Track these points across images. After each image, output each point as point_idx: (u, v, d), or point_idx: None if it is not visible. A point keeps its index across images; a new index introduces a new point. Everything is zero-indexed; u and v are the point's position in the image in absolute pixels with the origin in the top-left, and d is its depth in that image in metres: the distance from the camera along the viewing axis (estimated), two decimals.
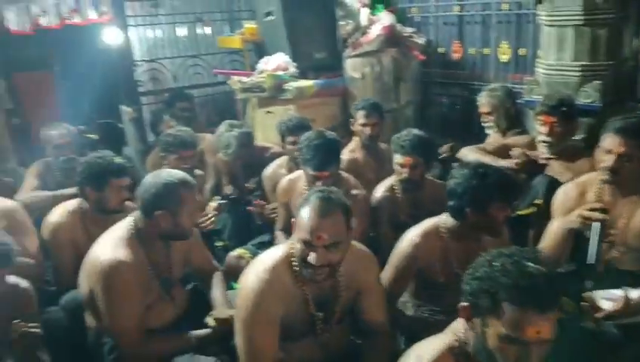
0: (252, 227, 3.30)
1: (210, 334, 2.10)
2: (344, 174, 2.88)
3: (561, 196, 2.37)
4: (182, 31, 5.29)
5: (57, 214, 2.56)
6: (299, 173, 2.89)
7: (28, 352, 1.89)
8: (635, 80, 3.43)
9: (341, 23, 4.46)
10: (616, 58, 3.25)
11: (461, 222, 2.09)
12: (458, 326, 1.45)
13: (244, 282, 1.83)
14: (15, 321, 1.86)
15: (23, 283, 2.00)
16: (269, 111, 4.01)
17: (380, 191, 2.87)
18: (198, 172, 3.29)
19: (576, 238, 2.22)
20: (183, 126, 3.55)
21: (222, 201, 3.01)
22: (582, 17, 3.12)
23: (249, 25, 4.70)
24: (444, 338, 1.46)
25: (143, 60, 4.96)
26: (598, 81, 3.11)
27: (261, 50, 4.58)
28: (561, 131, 2.81)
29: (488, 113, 3.43)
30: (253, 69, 4.30)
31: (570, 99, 2.91)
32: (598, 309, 1.98)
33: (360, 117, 3.30)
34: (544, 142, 2.82)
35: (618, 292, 2.00)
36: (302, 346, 1.92)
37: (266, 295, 1.76)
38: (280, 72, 4.02)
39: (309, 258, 1.72)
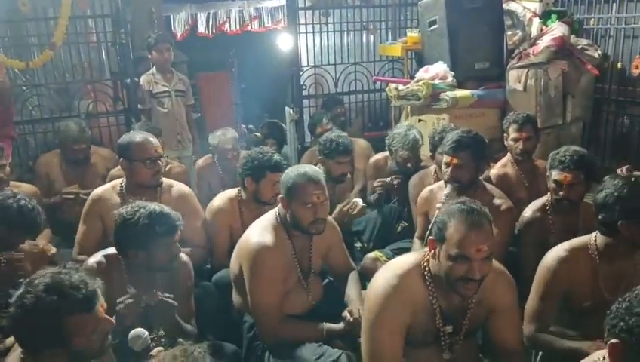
0: (392, 232, 3.33)
1: (341, 329, 2.20)
2: (488, 186, 2.79)
3: None
4: (348, 39, 5.49)
5: (219, 199, 2.85)
6: (440, 184, 2.86)
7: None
8: None
9: (509, 32, 4.30)
10: None
11: (612, 237, 1.95)
12: (598, 356, 1.34)
13: (373, 284, 1.86)
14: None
15: (184, 258, 2.25)
16: (420, 120, 4.01)
17: (530, 210, 2.72)
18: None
19: None
20: (338, 129, 3.71)
21: (363, 205, 3.11)
22: None
23: (412, 34, 4.74)
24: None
25: (309, 66, 5.23)
26: None
27: (422, 59, 4.60)
28: None
29: None
30: (412, 77, 4.33)
31: None
32: None
33: (512, 131, 3.18)
34: None
35: None
36: (425, 356, 1.90)
37: (392, 300, 1.78)
38: (438, 81, 3.99)
39: (468, 273, 1.70)
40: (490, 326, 1.94)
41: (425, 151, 3.47)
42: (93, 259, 2.08)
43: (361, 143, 4.02)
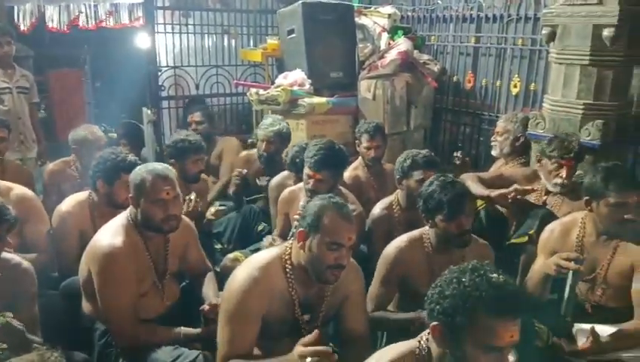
0: (252, 232, 3.40)
1: (198, 334, 2.20)
2: (343, 190, 2.97)
3: (546, 235, 2.45)
4: (208, 42, 5.48)
5: (67, 203, 2.70)
6: (300, 186, 2.99)
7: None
8: None
9: (360, 45, 4.61)
10: (621, 99, 3.30)
11: (434, 229, 2.21)
12: (423, 334, 1.53)
13: (233, 278, 1.91)
14: None
15: (25, 264, 2.12)
16: None
17: (378, 208, 2.95)
18: (202, 176, 3.41)
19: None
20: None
21: (220, 208, 3.14)
22: (589, 57, 3.19)
23: (272, 40, 4.87)
24: (407, 344, 1.53)
25: (168, 66, 5.14)
26: (600, 121, 3.17)
27: (282, 65, 4.75)
28: (573, 172, 2.87)
29: (500, 133, 3.52)
30: (272, 82, 4.45)
31: (578, 139, 2.97)
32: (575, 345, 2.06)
33: (364, 140, 3.40)
34: (561, 185, 2.84)
35: (592, 329, 2.07)
36: (281, 347, 1.99)
37: (252, 292, 1.85)
38: (296, 88, 4.16)
39: (339, 260, 1.83)
40: (342, 313, 2.08)
41: None
42: None
43: (232, 141, 4.07)
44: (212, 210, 3.04)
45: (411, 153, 2.86)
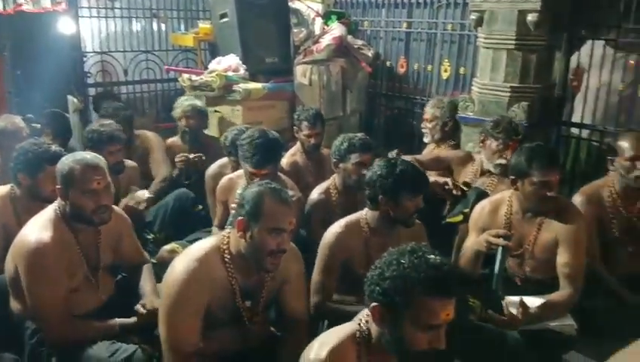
0: (187, 217, 3.33)
1: (135, 323, 2.13)
2: (282, 176, 2.97)
3: (477, 213, 2.55)
4: (136, 26, 5.28)
5: None
6: (239, 173, 2.96)
7: None
8: (563, 104, 3.68)
9: (294, 30, 4.58)
10: (545, 82, 3.47)
11: (376, 211, 2.24)
12: (362, 316, 1.55)
13: (171, 271, 1.87)
14: None
15: None
16: (216, 110, 4.07)
17: (316, 192, 2.96)
18: (129, 163, 3.27)
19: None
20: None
21: (149, 196, 3.04)
22: (515, 42, 3.33)
23: (204, 25, 4.75)
24: (347, 327, 1.55)
25: (94, 52, 4.92)
26: (525, 103, 3.32)
27: (214, 50, 4.65)
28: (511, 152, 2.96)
29: (429, 120, 3.61)
30: (205, 68, 4.36)
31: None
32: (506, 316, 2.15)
33: (304, 127, 3.39)
34: (501, 165, 2.95)
35: (520, 301, 2.18)
36: (223, 335, 1.97)
37: (192, 284, 1.81)
38: (230, 73, 4.09)
39: (280, 245, 1.83)
40: (282, 298, 2.08)
41: None
42: None
43: (149, 135, 3.85)
44: (139, 194, 2.93)
45: (348, 136, 2.89)
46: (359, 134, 2.96)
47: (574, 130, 3.70)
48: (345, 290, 2.32)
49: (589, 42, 3.60)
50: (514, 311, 2.17)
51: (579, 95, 3.77)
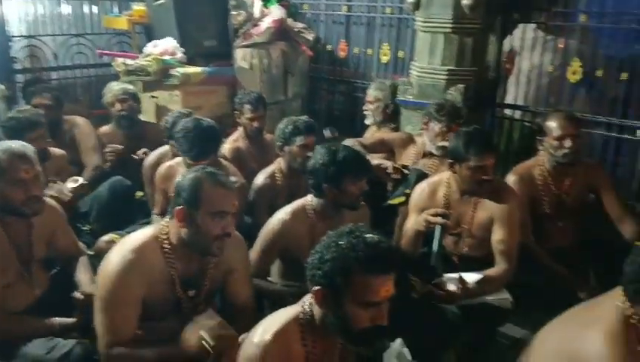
0: (125, 206, 3.22)
1: (74, 322, 2.07)
2: (224, 162, 2.93)
3: (416, 194, 2.61)
4: (67, 8, 5.03)
5: None
6: (178, 160, 2.89)
7: None
8: (497, 86, 3.80)
9: (233, 12, 4.49)
10: (480, 65, 3.57)
11: (321, 198, 2.25)
12: (305, 299, 1.57)
13: (107, 261, 1.82)
14: None
15: None
16: (153, 96, 3.96)
17: (261, 177, 2.95)
18: (56, 151, 3.09)
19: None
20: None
21: (84, 182, 2.92)
22: (451, 25, 3.40)
23: (138, 7, 4.59)
24: (290, 310, 1.56)
25: (21, 36, 4.66)
26: (462, 85, 3.41)
27: (150, 33, 4.50)
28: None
29: (371, 102, 3.66)
30: (141, 52, 4.21)
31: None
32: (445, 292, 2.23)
33: (246, 110, 3.36)
34: (444, 147, 2.98)
35: (459, 277, 2.26)
36: (165, 326, 1.93)
37: (129, 274, 1.77)
38: (167, 57, 3.98)
39: (225, 229, 1.81)
40: (227, 286, 2.06)
41: None
42: None
43: (78, 121, 3.68)
44: (71, 184, 2.81)
45: (292, 119, 2.90)
46: (303, 117, 2.97)
47: (508, 112, 3.83)
48: (291, 276, 2.33)
49: (522, 26, 3.72)
50: (453, 287, 2.25)
51: (512, 77, 3.90)
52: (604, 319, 1.46)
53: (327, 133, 3.66)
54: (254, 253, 2.28)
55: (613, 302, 1.48)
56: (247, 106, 3.35)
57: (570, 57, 3.49)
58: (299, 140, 2.81)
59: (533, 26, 3.69)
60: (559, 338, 1.56)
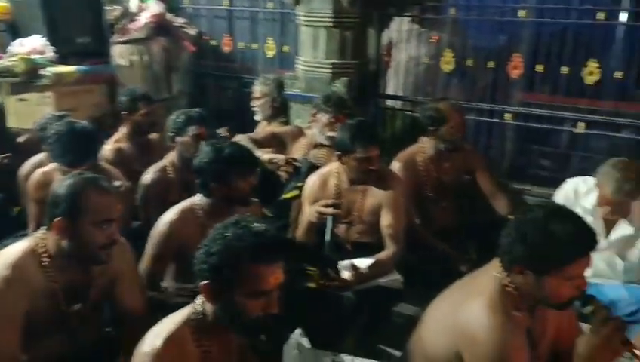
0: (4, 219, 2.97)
1: None
2: (105, 165, 2.80)
3: (309, 186, 2.66)
4: None
5: None
6: (54, 166, 2.70)
7: None
8: (378, 78, 3.95)
9: (108, 7, 4.27)
10: (362, 58, 3.69)
11: (209, 197, 2.21)
12: (197, 300, 1.53)
13: None
14: None
15: None
16: (22, 99, 3.66)
17: (151, 171, 2.86)
18: None
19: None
20: None
21: None
22: (331, 19, 3.48)
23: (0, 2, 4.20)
24: (181, 312, 1.51)
25: None
26: (345, 78, 3.50)
27: (15, 31, 4.14)
28: None
29: (258, 98, 3.65)
30: (5, 51, 3.87)
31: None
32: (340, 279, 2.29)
33: (141, 107, 3.24)
34: (333, 137, 2.99)
35: (352, 264, 2.34)
36: (51, 341, 1.82)
37: (5, 293, 1.65)
38: (36, 56, 3.69)
39: (109, 237, 1.73)
40: (116, 295, 1.96)
41: None
42: None
43: None
44: None
45: (183, 111, 2.89)
46: (195, 109, 2.94)
47: (389, 102, 4.00)
48: (184, 278, 2.27)
49: (398, 19, 3.90)
50: (347, 273, 2.32)
51: (391, 69, 4.08)
52: (483, 289, 1.59)
53: (221, 132, 3.60)
54: (146, 258, 2.20)
55: (491, 273, 1.61)
56: (142, 102, 3.25)
57: (443, 49, 3.71)
58: (191, 130, 2.78)
59: (408, 19, 3.88)
60: (446, 311, 1.68)
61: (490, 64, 3.58)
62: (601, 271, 2.44)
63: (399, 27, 3.91)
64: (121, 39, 4.11)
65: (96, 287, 1.89)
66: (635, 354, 1.55)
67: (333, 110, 3.10)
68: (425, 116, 2.94)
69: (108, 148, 3.20)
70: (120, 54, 4.07)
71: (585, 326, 1.56)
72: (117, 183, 2.70)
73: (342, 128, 2.59)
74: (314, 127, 3.21)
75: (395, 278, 2.49)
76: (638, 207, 2.33)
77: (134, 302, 1.98)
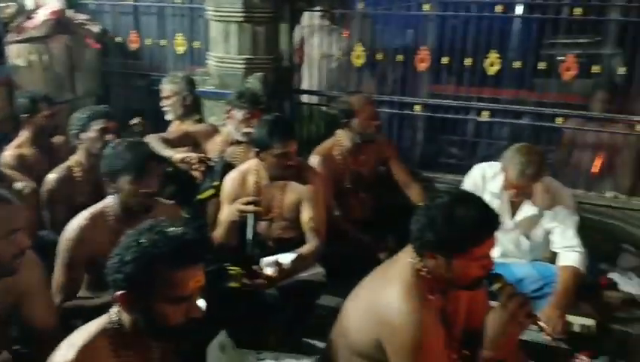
0: None
1: None
2: (6, 171, 2.64)
3: (227, 184, 2.63)
4: None
5: None
6: None
7: None
8: (292, 73, 3.95)
9: (1, 5, 3.98)
10: (274, 53, 3.68)
11: (117, 192, 2.16)
12: (112, 309, 1.47)
13: None
14: None
15: None
16: None
17: (53, 174, 2.75)
18: None
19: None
20: None
21: None
22: (242, 14, 3.43)
23: None
24: (96, 322, 1.45)
25: None
26: (259, 73, 3.48)
27: None
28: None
29: (168, 97, 3.55)
30: None
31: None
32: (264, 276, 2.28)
33: (44, 108, 3.10)
34: (249, 133, 2.98)
35: (275, 261, 2.34)
36: None
37: None
38: None
39: (20, 244, 1.65)
40: (25, 311, 1.85)
41: None
42: None
43: None
44: None
45: (89, 107, 2.85)
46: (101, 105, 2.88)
47: (305, 97, 4.02)
48: (97, 286, 2.18)
49: (310, 14, 3.92)
50: (270, 270, 2.32)
51: (305, 64, 4.10)
52: (399, 275, 1.65)
53: (134, 122, 3.51)
54: (57, 269, 2.09)
55: (406, 259, 1.67)
56: (44, 104, 3.11)
57: (354, 43, 3.77)
58: (96, 124, 2.72)
59: (319, 14, 3.90)
60: (365, 298, 1.72)
61: (399, 57, 3.68)
62: (509, 250, 2.59)
63: (310, 22, 3.93)
64: (17, 38, 3.84)
65: (3, 303, 1.77)
66: (540, 326, 1.68)
67: (248, 106, 3.08)
68: (338, 110, 3.00)
69: (8, 154, 3.02)
70: (17, 54, 3.79)
71: (494, 304, 1.65)
72: (20, 185, 2.56)
73: (259, 124, 2.58)
74: (229, 124, 3.17)
75: (317, 271, 2.53)
76: (541, 188, 2.49)
77: (44, 318, 1.89)
